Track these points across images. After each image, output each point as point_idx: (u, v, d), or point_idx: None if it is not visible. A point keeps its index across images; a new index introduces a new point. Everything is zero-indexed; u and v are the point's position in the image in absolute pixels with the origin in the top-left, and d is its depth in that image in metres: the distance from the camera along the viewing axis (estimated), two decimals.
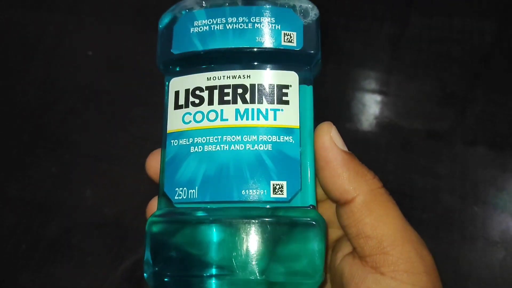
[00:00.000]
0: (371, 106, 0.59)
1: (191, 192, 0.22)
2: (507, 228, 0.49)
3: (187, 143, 0.23)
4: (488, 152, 0.55)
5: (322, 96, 0.60)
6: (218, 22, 0.24)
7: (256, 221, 0.21)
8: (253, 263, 0.21)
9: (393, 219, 0.23)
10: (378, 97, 0.60)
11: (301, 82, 0.23)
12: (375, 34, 0.66)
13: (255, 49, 0.23)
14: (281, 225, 0.22)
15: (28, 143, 0.57)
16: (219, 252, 0.22)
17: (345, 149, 0.23)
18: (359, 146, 0.56)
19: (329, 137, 0.22)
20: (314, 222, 0.21)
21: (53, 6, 0.72)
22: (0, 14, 0.72)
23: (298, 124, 0.22)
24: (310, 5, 0.24)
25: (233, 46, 0.23)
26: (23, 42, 0.68)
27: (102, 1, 0.72)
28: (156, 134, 0.59)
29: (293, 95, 0.22)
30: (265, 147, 0.22)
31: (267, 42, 0.23)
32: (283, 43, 0.23)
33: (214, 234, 0.22)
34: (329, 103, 0.59)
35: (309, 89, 0.23)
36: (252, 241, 0.21)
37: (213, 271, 0.21)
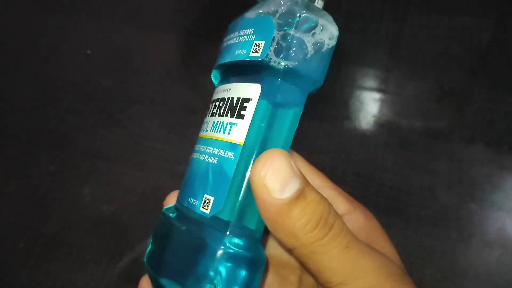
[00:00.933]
0: (369, 104, 0.59)
1: (179, 193, 0.23)
2: (503, 225, 0.49)
3: (194, 149, 0.23)
4: (485, 150, 0.55)
5: (321, 94, 0.60)
6: (228, 38, 0.23)
7: (182, 228, 0.21)
8: (170, 266, 0.22)
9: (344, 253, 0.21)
10: (376, 95, 0.60)
11: (264, 96, 0.21)
12: (374, 32, 0.66)
13: (229, 63, 0.22)
14: (188, 238, 0.21)
15: (27, 141, 0.57)
16: (152, 252, 0.23)
17: (287, 191, 0.19)
18: (357, 143, 0.56)
19: (262, 184, 0.18)
20: (207, 241, 0.20)
21: (53, 5, 0.72)
22: (2, 14, 0.72)
23: (243, 141, 0.20)
24: (311, 16, 0.21)
25: (222, 62, 0.22)
26: (22, 41, 0.68)
27: (101, 1, 0.72)
28: (153, 132, 0.60)
29: (250, 109, 0.20)
30: (213, 160, 0.21)
31: (240, 54, 0.21)
32: (250, 54, 0.21)
33: (164, 233, 0.23)
34: (328, 101, 0.59)
35: (270, 105, 0.21)
36: (173, 246, 0.22)
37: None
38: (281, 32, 0.20)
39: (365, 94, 0.60)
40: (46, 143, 0.57)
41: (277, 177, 0.18)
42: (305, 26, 0.21)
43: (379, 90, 0.60)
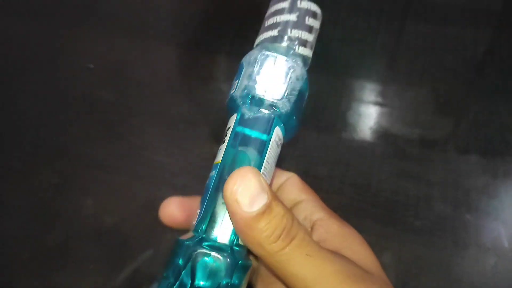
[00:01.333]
0: (366, 116, 0.60)
1: None
2: (498, 234, 0.50)
3: None
4: (480, 160, 0.56)
5: (317, 105, 0.61)
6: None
7: None
8: None
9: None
10: (373, 107, 0.61)
11: (237, 124, 0.25)
12: (370, 45, 0.68)
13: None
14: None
15: (30, 154, 0.59)
16: None
17: (255, 205, 0.21)
18: (354, 154, 0.57)
19: (233, 199, 0.21)
20: (178, 241, 0.23)
21: (57, 20, 0.74)
22: (5, 27, 0.73)
23: (221, 159, 0.24)
24: (257, 56, 0.26)
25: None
26: (27, 54, 0.70)
27: (103, 16, 0.74)
28: (153, 144, 0.61)
29: (228, 135, 0.25)
30: (207, 180, 0.24)
31: (230, 90, 0.26)
32: (230, 92, 0.26)
33: None
34: (326, 113, 0.61)
35: (240, 129, 0.25)
36: None
37: None
38: (244, 72, 0.26)
39: (362, 105, 0.61)
40: (49, 155, 0.58)
41: (247, 192, 0.21)
42: (252, 71, 0.26)
43: (375, 102, 0.61)
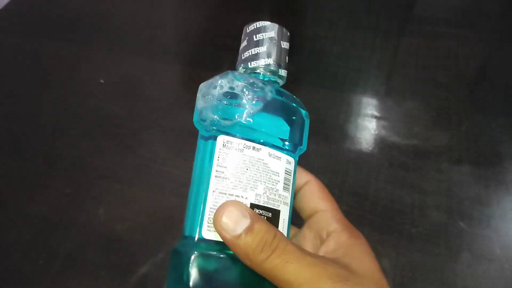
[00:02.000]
0: (363, 128, 0.63)
1: None
2: (490, 241, 0.53)
3: None
4: (472, 171, 0.59)
5: (317, 118, 0.64)
6: None
7: None
8: None
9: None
10: (369, 120, 0.64)
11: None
12: (366, 61, 0.71)
13: None
14: None
15: (44, 165, 0.61)
16: None
17: (239, 228, 0.26)
18: (352, 164, 0.59)
19: (220, 226, 0.26)
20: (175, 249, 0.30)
21: (68, 37, 0.77)
22: (18, 45, 0.77)
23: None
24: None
25: None
26: (40, 71, 0.73)
27: (113, 34, 0.77)
28: (162, 156, 0.64)
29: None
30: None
31: None
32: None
33: None
34: (325, 126, 0.64)
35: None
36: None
37: None
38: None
39: (359, 118, 0.64)
40: (63, 167, 0.61)
41: (231, 219, 0.26)
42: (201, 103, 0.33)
43: (372, 115, 0.64)
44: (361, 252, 0.30)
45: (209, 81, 0.32)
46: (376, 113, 0.65)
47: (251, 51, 0.34)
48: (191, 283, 0.28)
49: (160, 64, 0.72)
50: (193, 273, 0.29)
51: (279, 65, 0.33)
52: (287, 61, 0.34)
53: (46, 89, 0.70)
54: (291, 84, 0.67)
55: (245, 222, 0.26)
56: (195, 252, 0.29)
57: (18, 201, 0.58)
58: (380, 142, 0.61)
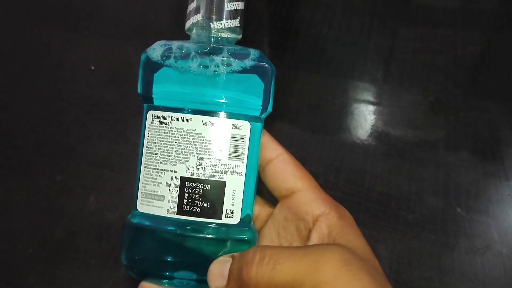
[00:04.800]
0: (359, 115, 0.62)
1: None
2: (488, 227, 0.52)
3: None
4: (470, 157, 0.58)
5: (312, 104, 0.63)
6: None
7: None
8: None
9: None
10: (366, 106, 0.63)
11: None
12: (363, 46, 0.70)
13: None
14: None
15: (34, 153, 0.60)
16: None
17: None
18: (348, 151, 0.59)
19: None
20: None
21: (58, 24, 0.75)
22: (8, 31, 0.75)
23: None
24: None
25: None
26: (30, 58, 0.71)
27: (103, 20, 0.76)
28: None
29: None
30: None
31: None
32: None
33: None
34: (320, 113, 0.63)
35: None
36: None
37: None
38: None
39: (354, 105, 0.63)
40: (53, 154, 0.60)
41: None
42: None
43: (368, 101, 0.63)
44: (353, 234, 0.29)
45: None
46: (372, 99, 0.64)
47: (187, 12, 0.33)
48: (122, 252, 0.31)
49: None
50: (125, 242, 0.31)
51: (210, 18, 0.31)
52: (236, 7, 0.31)
53: (36, 76, 0.69)
54: (286, 69, 0.66)
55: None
56: (130, 223, 0.31)
57: (7, 189, 0.57)
58: (377, 128, 0.60)
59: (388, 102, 0.63)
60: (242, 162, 0.30)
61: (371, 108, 0.63)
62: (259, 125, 0.31)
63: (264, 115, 0.32)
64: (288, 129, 0.60)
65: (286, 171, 0.32)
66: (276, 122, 0.61)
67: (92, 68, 0.69)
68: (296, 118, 0.62)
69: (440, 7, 0.74)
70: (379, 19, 0.72)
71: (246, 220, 0.30)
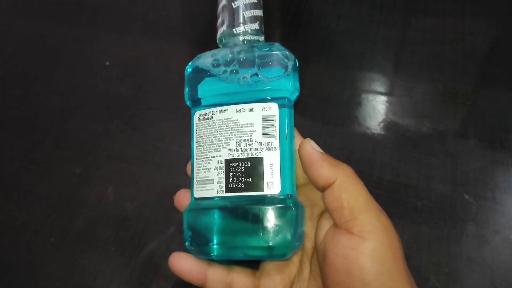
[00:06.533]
0: (367, 105, 0.63)
1: None
2: (495, 213, 0.53)
3: None
4: (478, 145, 0.58)
5: (322, 96, 0.64)
6: None
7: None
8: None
9: (361, 195, 0.30)
10: (374, 96, 0.64)
11: None
12: (372, 37, 0.70)
13: None
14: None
15: (54, 146, 0.63)
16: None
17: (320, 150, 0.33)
18: (358, 141, 0.60)
19: (310, 146, 0.32)
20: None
21: (73, 20, 0.77)
22: (25, 28, 0.77)
23: None
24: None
25: None
26: (47, 54, 0.74)
27: (117, 16, 0.78)
28: (169, 136, 0.64)
29: None
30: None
31: None
32: None
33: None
34: (329, 103, 0.64)
35: None
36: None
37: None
38: None
39: (363, 95, 0.64)
40: (71, 148, 0.62)
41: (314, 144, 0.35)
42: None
43: (377, 91, 0.64)
44: (359, 192, 0.35)
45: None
46: (382, 90, 0.65)
47: (217, 28, 0.39)
48: (186, 237, 0.35)
49: (165, 44, 0.72)
50: (186, 227, 0.35)
51: (231, 26, 0.38)
52: (253, 14, 0.37)
53: (54, 71, 0.71)
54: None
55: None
56: (188, 209, 0.36)
57: (29, 182, 0.60)
58: (386, 118, 0.62)
59: (397, 93, 0.64)
60: (275, 139, 0.34)
61: (380, 98, 0.64)
62: (286, 105, 0.35)
63: (290, 96, 0.36)
64: (298, 120, 0.61)
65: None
66: None
67: (107, 63, 0.71)
68: (306, 109, 0.63)
69: None
70: (388, 11, 0.73)
71: (287, 196, 0.34)
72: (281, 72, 0.35)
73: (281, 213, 0.31)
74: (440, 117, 0.61)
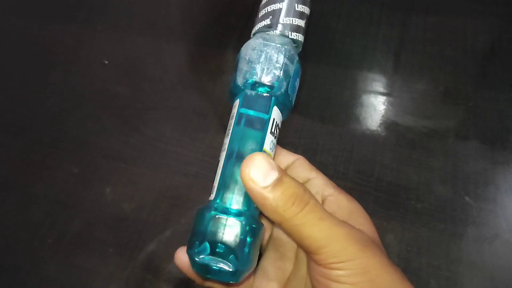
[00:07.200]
0: (368, 106, 0.63)
1: None
2: (496, 216, 0.53)
3: None
4: (479, 146, 0.58)
5: (322, 95, 0.64)
6: None
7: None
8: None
9: (324, 222, 0.26)
10: (375, 96, 0.63)
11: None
12: (373, 36, 0.70)
13: None
14: None
15: (52, 146, 0.62)
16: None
17: (268, 179, 0.24)
18: (358, 141, 0.59)
19: (249, 178, 0.24)
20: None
21: (71, 19, 0.77)
22: (23, 27, 0.77)
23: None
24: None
25: None
26: (45, 53, 0.73)
27: (116, 14, 0.77)
28: (167, 136, 0.64)
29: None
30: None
31: None
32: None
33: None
34: (329, 104, 0.63)
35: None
36: None
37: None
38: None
39: (364, 95, 0.64)
40: (69, 148, 0.62)
41: (259, 171, 0.24)
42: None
43: (377, 91, 0.64)
44: (364, 217, 0.30)
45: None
46: (382, 90, 0.64)
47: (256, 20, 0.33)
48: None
49: (164, 44, 0.71)
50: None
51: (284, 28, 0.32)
52: (299, 23, 0.33)
53: (51, 70, 0.71)
54: None
55: (274, 174, 0.24)
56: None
57: (26, 182, 0.59)
58: (387, 119, 0.61)
59: (397, 93, 0.64)
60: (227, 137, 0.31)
61: (380, 98, 0.63)
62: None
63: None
64: (298, 120, 0.61)
65: (302, 166, 0.34)
66: None
67: (106, 62, 0.70)
68: (306, 109, 0.63)
69: None
70: (389, 10, 0.72)
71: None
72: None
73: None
74: (441, 118, 0.61)
